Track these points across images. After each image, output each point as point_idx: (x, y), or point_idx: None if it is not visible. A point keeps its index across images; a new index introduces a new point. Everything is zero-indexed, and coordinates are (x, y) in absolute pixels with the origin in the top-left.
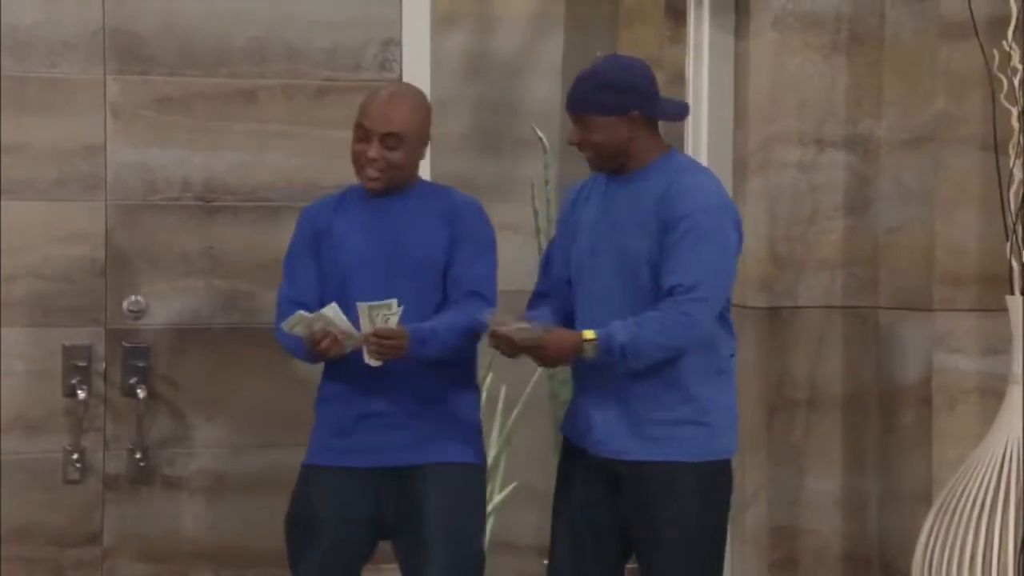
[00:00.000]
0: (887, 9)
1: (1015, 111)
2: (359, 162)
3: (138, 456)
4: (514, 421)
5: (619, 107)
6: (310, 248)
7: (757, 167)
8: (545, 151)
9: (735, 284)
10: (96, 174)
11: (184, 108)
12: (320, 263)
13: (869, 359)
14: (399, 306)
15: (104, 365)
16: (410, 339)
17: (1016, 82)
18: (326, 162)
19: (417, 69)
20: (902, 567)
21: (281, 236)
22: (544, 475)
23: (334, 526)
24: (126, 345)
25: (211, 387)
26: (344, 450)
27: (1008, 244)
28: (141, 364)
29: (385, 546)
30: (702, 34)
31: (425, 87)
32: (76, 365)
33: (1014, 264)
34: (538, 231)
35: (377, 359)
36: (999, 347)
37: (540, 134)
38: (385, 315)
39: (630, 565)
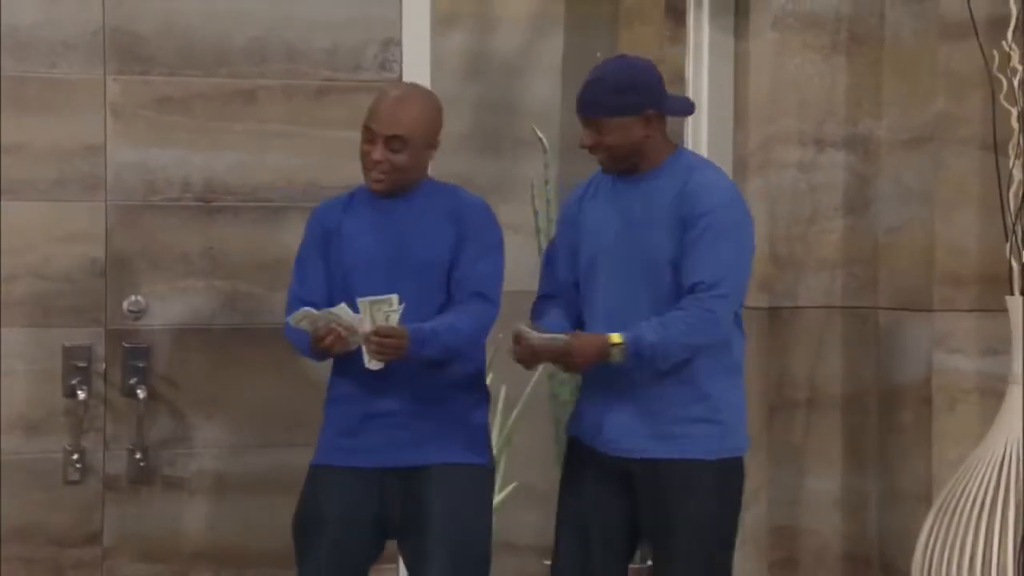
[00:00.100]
0: (887, 9)
1: (1015, 111)
2: (364, 163)
3: (138, 456)
4: (514, 421)
5: (633, 107)
6: (319, 248)
7: (757, 167)
8: (545, 151)
9: None
10: (96, 174)
11: (184, 108)
12: (328, 262)
13: (869, 359)
14: (400, 303)
15: (104, 365)
16: (410, 339)
17: (1016, 82)
18: (326, 162)
19: (417, 69)
20: (902, 567)
21: (281, 236)
22: (544, 475)
23: (339, 526)
24: (126, 345)
25: (211, 387)
26: (351, 450)
27: (1008, 244)
28: (141, 364)
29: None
30: (702, 34)
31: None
32: (76, 365)
33: (1014, 264)
34: (538, 231)
35: (378, 359)
36: (999, 347)
37: (540, 134)
38: (386, 311)
39: (634, 565)
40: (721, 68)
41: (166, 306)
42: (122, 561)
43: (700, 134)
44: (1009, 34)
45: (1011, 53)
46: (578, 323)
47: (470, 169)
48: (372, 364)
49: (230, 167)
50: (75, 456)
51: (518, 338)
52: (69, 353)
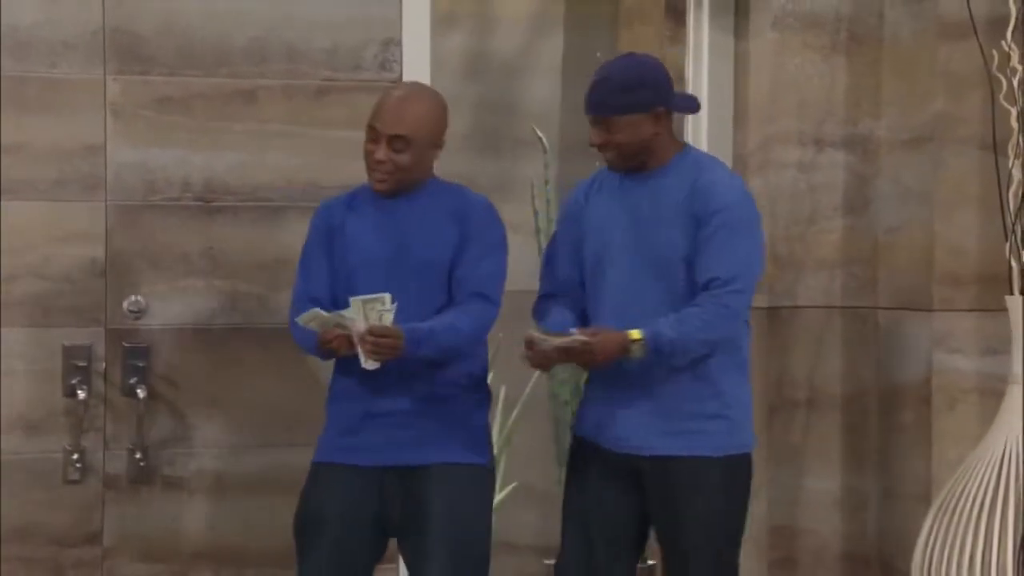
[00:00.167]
0: (886, 9)
1: (1014, 111)
2: (368, 162)
3: (138, 456)
4: (514, 421)
5: (643, 104)
6: (323, 245)
7: (757, 167)
8: (545, 151)
9: None
10: (96, 174)
11: (184, 108)
12: (332, 260)
13: (868, 359)
14: (393, 302)
15: (104, 365)
16: (406, 339)
17: (1015, 82)
18: (326, 162)
19: (417, 69)
20: (901, 567)
21: (281, 236)
22: (544, 475)
23: (340, 524)
24: (126, 345)
25: (211, 387)
26: (351, 448)
27: (1007, 244)
28: (141, 364)
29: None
30: (702, 34)
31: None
32: (76, 365)
33: (1013, 264)
34: (538, 231)
35: (374, 359)
36: (998, 347)
37: (540, 134)
38: (379, 310)
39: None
40: (721, 68)
41: (166, 306)
42: (122, 561)
43: (700, 134)
44: (1008, 34)
45: (1010, 53)
46: (583, 320)
47: (470, 169)
48: (368, 364)
49: (230, 167)
50: (75, 456)
51: (531, 343)
52: (69, 353)
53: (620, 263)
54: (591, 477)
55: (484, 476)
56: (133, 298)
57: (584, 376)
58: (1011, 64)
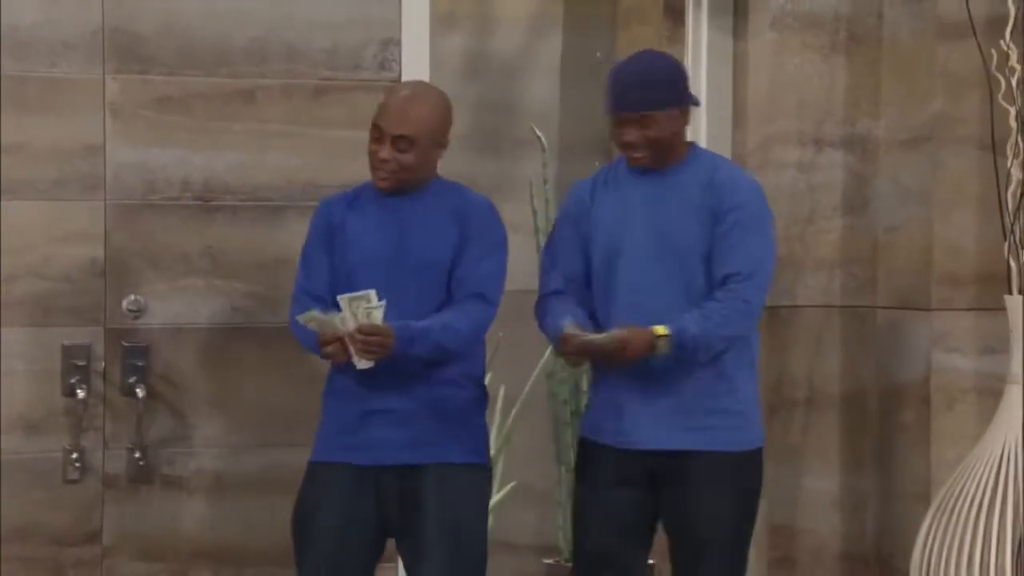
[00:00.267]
0: (885, 9)
1: (1013, 111)
2: (372, 162)
3: (137, 455)
4: (513, 420)
5: (674, 99)
6: (324, 243)
7: (756, 167)
8: (544, 151)
9: None
10: (95, 174)
11: (183, 108)
12: (333, 258)
13: (867, 359)
14: (380, 299)
15: (103, 364)
16: (396, 337)
17: (1014, 82)
18: (326, 162)
19: (416, 69)
20: (900, 566)
21: (280, 236)
22: (543, 474)
23: (339, 524)
24: (125, 344)
25: (210, 386)
26: (349, 447)
27: (1006, 244)
28: (140, 363)
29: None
30: (701, 34)
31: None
32: (75, 364)
33: (1012, 264)
34: (537, 230)
35: (366, 359)
36: (997, 347)
37: (539, 133)
38: (366, 308)
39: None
40: (720, 68)
41: (165, 305)
42: (121, 560)
43: (699, 134)
44: (1007, 33)
45: (1009, 52)
46: (592, 318)
47: (469, 169)
48: (361, 364)
49: (229, 167)
50: (74, 455)
51: (568, 339)
52: (68, 352)
53: (635, 259)
54: (603, 477)
55: (482, 476)
56: (132, 297)
57: (584, 376)
58: (1010, 64)
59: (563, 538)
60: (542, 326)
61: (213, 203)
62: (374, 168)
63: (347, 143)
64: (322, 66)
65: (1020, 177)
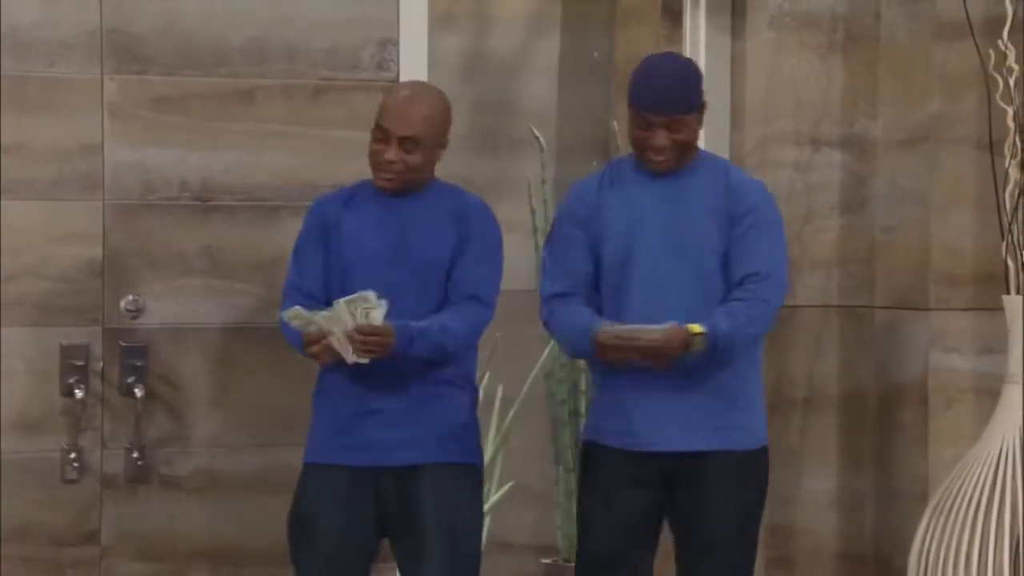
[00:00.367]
0: (883, 9)
1: (1010, 111)
2: (376, 162)
3: (135, 455)
4: (511, 421)
5: (700, 103)
6: (317, 240)
7: (753, 167)
8: (542, 151)
9: None
10: (94, 174)
11: (182, 108)
12: (327, 256)
13: (865, 358)
14: (380, 299)
15: (102, 364)
16: (397, 336)
17: (1011, 82)
18: (324, 162)
19: (414, 69)
20: (898, 566)
21: (278, 236)
22: (541, 474)
23: (337, 527)
24: (123, 344)
25: (208, 386)
26: (345, 447)
27: (1003, 244)
28: (139, 363)
29: (385, 546)
30: (698, 34)
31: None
32: (74, 364)
33: (1010, 263)
34: (535, 231)
35: (364, 357)
36: (995, 346)
37: (537, 133)
38: (364, 309)
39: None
40: (717, 68)
41: (163, 305)
42: (120, 560)
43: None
44: (1005, 33)
45: (1007, 52)
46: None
47: (467, 169)
48: (360, 359)
49: (228, 167)
50: (72, 455)
51: (615, 338)
52: (67, 352)
53: (649, 261)
54: (613, 480)
55: (476, 475)
56: (130, 297)
57: (582, 376)
58: (1007, 64)
59: (561, 538)
60: (554, 328)
61: (211, 203)
62: (378, 169)
63: (345, 143)
64: (320, 66)
65: (1018, 177)
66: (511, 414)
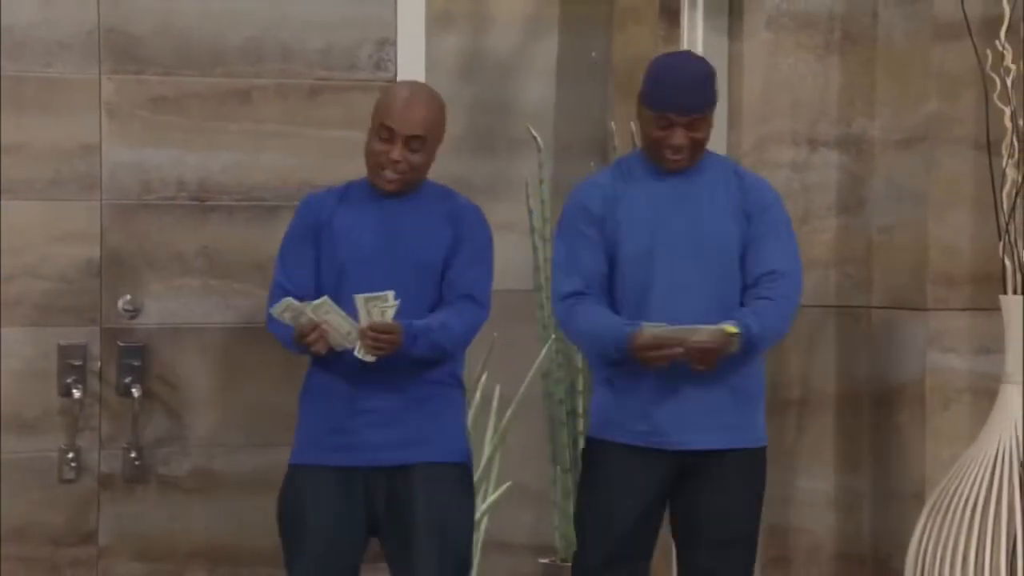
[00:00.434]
0: (880, 9)
1: (1008, 111)
2: (379, 162)
3: (133, 455)
4: (508, 420)
5: (716, 101)
6: (308, 238)
7: (751, 167)
8: (539, 151)
9: None
10: (91, 174)
11: (179, 108)
12: (318, 255)
13: (862, 358)
14: (396, 299)
15: (99, 364)
16: (403, 334)
17: (1009, 82)
18: (321, 162)
19: (412, 69)
20: (895, 566)
21: (276, 236)
22: (538, 474)
23: (328, 524)
24: (121, 344)
25: (206, 386)
26: (337, 448)
27: (1001, 244)
28: (136, 363)
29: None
30: (696, 35)
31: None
32: (71, 364)
33: (1007, 263)
34: (532, 231)
35: (373, 354)
36: (992, 346)
37: (534, 133)
38: (382, 307)
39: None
40: (715, 68)
41: (161, 305)
42: (117, 560)
43: None
44: (1002, 34)
45: (1004, 52)
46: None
47: (465, 169)
48: (367, 356)
49: (225, 167)
50: (70, 455)
51: (652, 338)
52: (64, 352)
53: (672, 259)
54: (621, 478)
55: (466, 475)
56: (128, 297)
57: (579, 376)
58: (1004, 64)
59: (559, 538)
60: (574, 328)
61: (209, 203)
62: (380, 168)
63: (343, 143)
64: (318, 66)
65: (1015, 177)
66: (508, 414)
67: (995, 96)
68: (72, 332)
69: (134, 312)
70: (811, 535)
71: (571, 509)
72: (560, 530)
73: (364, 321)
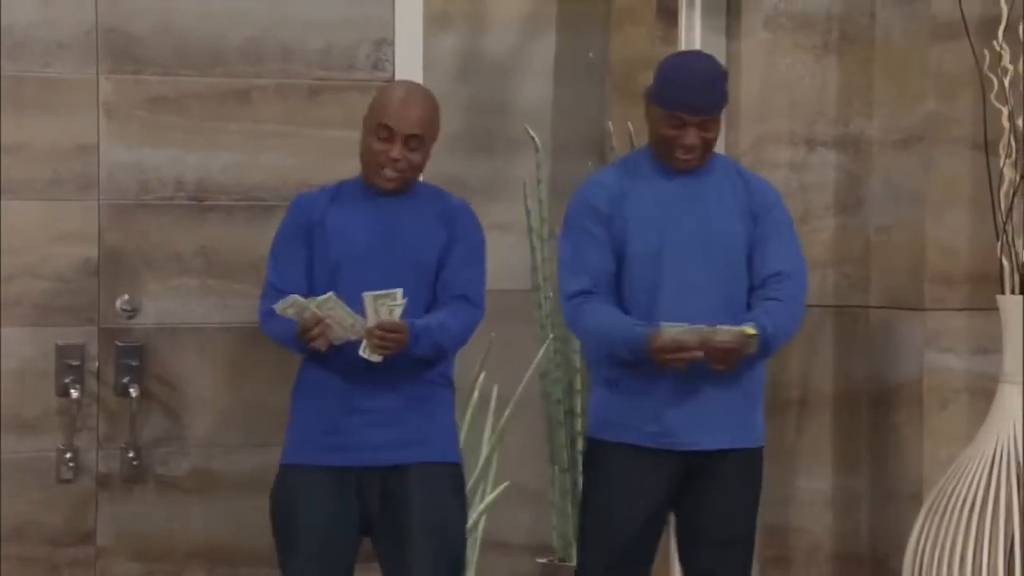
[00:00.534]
0: (878, 9)
1: (1005, 111)
2: (378, 161)
3: (131, 455)
4: (506, 420)
5: (727, 101)
6: (299, 237)
7: (748, 167)
8: (537, 151)
9: None
10: (89, 174)
11: (178, 108)
12: (311, 254)
13: (860, 358)
14: (403, 298)
15: (97, 364)
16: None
17: (1007, 82)
18: (320, 162)
19: (410, 69)
20: (894, 566)
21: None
22: (536, 474)
23: (322, 524)
24: (119, 344)
25: (204, 386)
26: (332, 447)
27: (998, 243)
28: (134, 363)
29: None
30: (694, 35)
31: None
32: (69, 364)
33: (1004, 263)
34: (530, 231)
35: (379, 354)
36: (990, 346)
37: (532, 134)
38: (390, 306)
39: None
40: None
41: (159, 305)
42: (116, 560)
43: None
44: (1000, 34)
45: (1002, 53)
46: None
47: (463, 169)
48: (373, 356)
49: (224, 167)
50: (68, 455)
51: (675, 339)
52: (62, 352)
53: (681, 259)
54: (626, 478)
55: (459, 474)
56: (126, 297)
57: (577, 375)
58: (1002, 64)
59: (557, 537)
60: (584, 327)
61: (207, 203)
62: (380, 167)
63: (342, 143)
64: (316, 66)
65: (1013, 177)
66: (506, 414)
67: (993, 96)
68: (70, 332)
69: (132, 312)
70: (809, 535)
71: (569, 509)
72: (558, 530)
73: (372, 319)
